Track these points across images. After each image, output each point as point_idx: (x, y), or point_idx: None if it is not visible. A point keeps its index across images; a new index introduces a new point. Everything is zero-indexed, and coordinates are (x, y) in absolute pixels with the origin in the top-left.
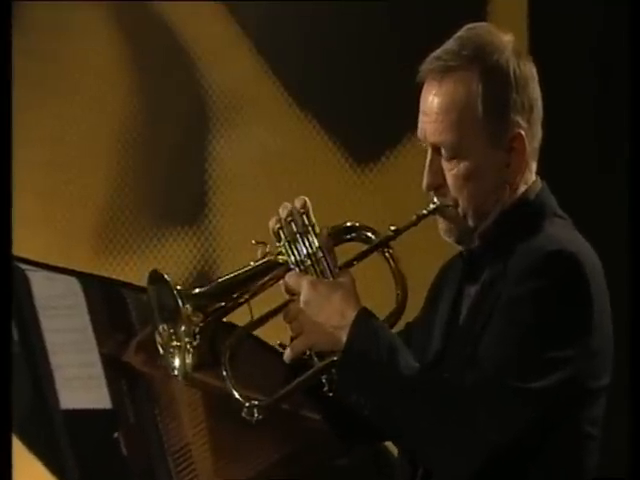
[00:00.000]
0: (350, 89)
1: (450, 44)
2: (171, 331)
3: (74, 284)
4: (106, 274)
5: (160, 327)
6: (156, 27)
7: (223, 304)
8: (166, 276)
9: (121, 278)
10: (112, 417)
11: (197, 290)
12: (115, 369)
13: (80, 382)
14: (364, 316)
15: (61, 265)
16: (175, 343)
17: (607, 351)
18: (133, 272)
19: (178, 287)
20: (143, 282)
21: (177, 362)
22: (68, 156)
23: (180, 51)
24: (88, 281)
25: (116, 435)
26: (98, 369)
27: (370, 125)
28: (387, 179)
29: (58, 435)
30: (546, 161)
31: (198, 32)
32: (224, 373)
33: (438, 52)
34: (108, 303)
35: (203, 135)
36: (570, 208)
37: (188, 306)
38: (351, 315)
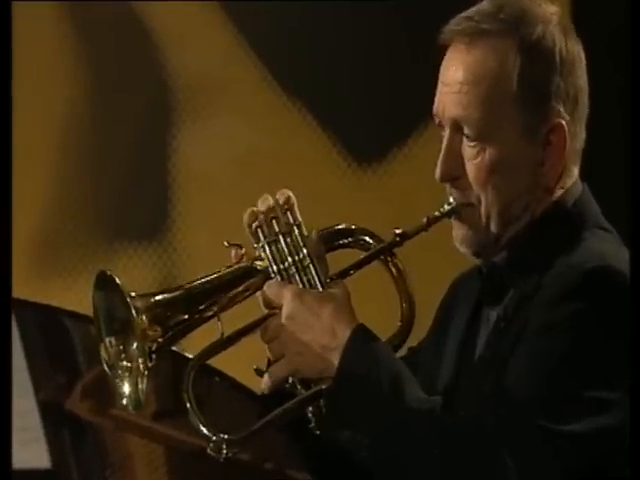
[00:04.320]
0: (348, 75)
1: (484, 5)
2: (120, 347)
3: None
4: (44, 301)
5: (107, 340)
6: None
7: (187, 317)
8: (117, 279)
9: (63, 306)
10: (52, 479)
11: (156, 298)
12: (56, 419)
13: (12, 435)
14: (361, 335)
15: None
16: (125, 364)
17: None
18: (78, 298)
19: (132, 294)
20: (90, 310)
21: (127, 388)
22: None
23: (138, 28)
24: (22, 309)
25: None
26: (34, 419)
27: (372, 118)
28: (392, 182)
29: None
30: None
31: (162, 7)
32: (187, 403)
33: (469, 12)
34: (47, 337)
35: (166, 129)
36: None
37: (144, 317)
38: (345, 334)
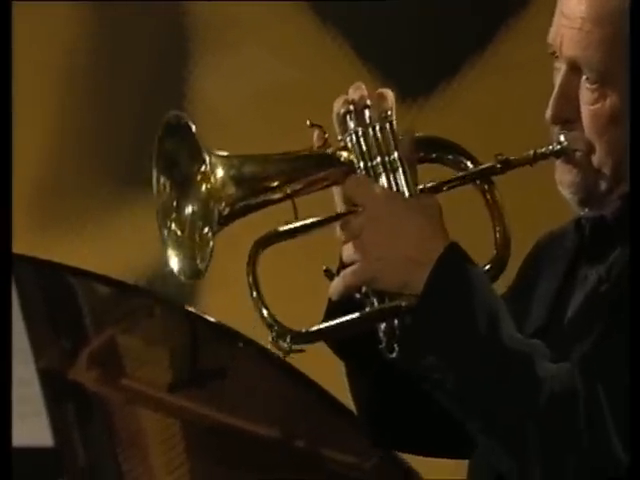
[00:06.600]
0: None
1: None
2: (174, 203)
3: None
4: (45, 256)
5: (162, 182)
6: None
7: (261, 189)
8: (193, 127)
9: (66, 261)
10: (55, 458)
11: (232, 159)
12: (58, 390)
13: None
14: (456, 254)
15: None
16: (175, 227)
17: None
18: (82, 253)
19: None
20: (97, 267)
21: (178, 258)
22: None
23: None
24: (21, 266)
25: None
26: (34, 390)
27: (417, 49)
28: (440, 120)
29: None
30: None
31: None
32: (251, 287)
33: None
34: (48, 296)
35: (181, 63)
36: None
37: (218, 174)
38: (437, 248)
